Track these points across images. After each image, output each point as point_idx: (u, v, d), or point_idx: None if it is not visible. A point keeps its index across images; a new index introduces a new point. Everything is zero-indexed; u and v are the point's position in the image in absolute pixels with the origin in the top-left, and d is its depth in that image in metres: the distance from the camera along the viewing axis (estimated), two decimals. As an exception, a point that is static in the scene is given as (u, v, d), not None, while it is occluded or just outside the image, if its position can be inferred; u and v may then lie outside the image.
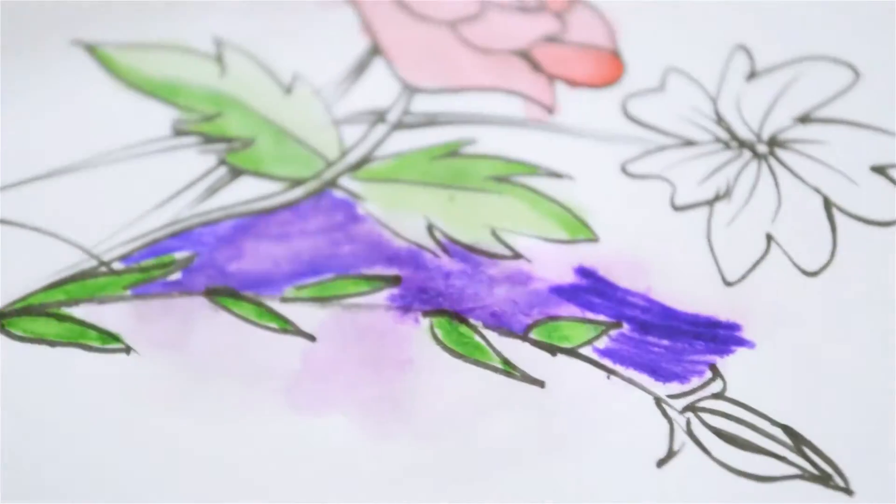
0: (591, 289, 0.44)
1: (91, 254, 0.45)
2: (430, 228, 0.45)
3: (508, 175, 0.46)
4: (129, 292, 0.44)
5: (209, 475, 0.40)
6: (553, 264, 0.45)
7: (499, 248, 0.45)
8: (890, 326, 0.44)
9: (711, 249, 0.46)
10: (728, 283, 0.45)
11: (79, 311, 0.44)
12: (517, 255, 0.45)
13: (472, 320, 0.43)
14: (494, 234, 0.45)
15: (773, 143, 0.48)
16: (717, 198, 0.47)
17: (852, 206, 0.46)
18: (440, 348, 0.43)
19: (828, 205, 0.46)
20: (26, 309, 0.43)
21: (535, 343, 0.43)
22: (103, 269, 0.44)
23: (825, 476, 0.41)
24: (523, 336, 0.43)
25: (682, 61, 0.48)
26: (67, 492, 0.40)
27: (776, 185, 0.47)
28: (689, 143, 0.48)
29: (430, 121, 0.48)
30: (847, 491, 0.41)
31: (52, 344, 0.43)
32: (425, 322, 0.43)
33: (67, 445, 0.41)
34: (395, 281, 0.44)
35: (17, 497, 0.40)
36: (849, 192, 0.47)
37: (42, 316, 0.43)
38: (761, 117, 0.49)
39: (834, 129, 0.48)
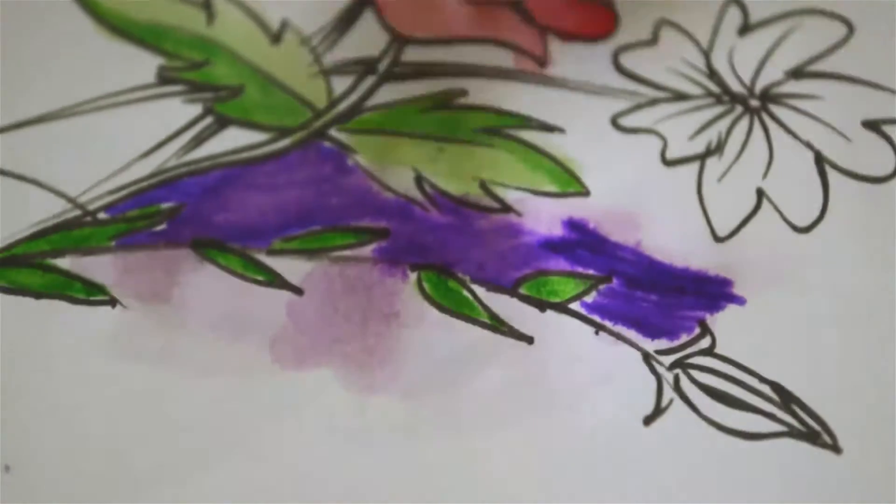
0: (581, 242, 0.44)
1: (76, 203, 0.44)
2: (419, 181, 0.45)
3: (499, 127, 0.46)
4: (114, 243, 0.43)
5: (194, 428, 0.40)
6: (543, 218, 0.44)
7: (488, 201, 0.45)
8: (881, 283, 0.43)
9: (702, 205, 0.45)
10: (719, 239, 0.45)
11: (63, 262, 0.43)
12: (507, 209, 0.45)
13: (460, 274, 0.43)
14: (484, 186, 0.45)
15: (766, 97, 0.48)
16: (709, 152, 0.46)
17: (844, 162, 0.46)
18: (428, 302, 0.42)
19: (820, 160, 0.46)
20: (10, 259, 0.43)
21: (524, 298, 0.43)
22: (88, 218, 0.44)
23: (813, 433, 0.41)
24: (512, 291, 0.43)
25: (674, 14, 0.47)
26: (51, 444, 0.40)
27: (768, 140, 0.47)
28: (681, 96, 0.47)
29: (420, 72, 0.47)
30: (835, 448, 0.41)
31: (37, 295, 0.42)
32: (413, 276, 0.43)
33: (52, 397, 0.41)
34: (383, 234, 0.44)
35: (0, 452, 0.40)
36: (841, 148, 0.46)
37: (26, 267, 0.43)
38: (754, 71, 0.48)
39: (827, 83, 0.48)
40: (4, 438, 0.39)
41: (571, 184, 0.45)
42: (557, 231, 0.44)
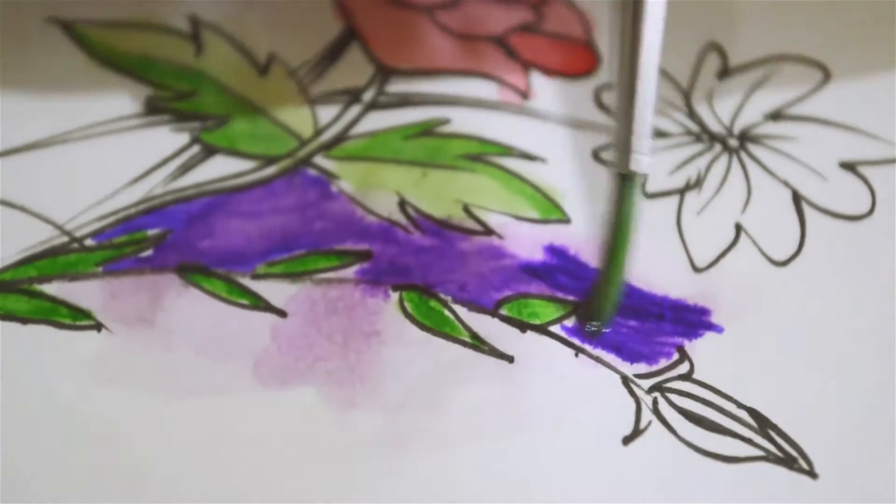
0: (562, 268, 0.44)
1: (63, 230, 0.45)
2: (403, 204, 0.46)
3: (481, 154, 0.47)
4: (100, 269, 0.44)
5: (178, 450, 0.40)
6: (524, 242, 0.45)
7: (471, 224, 0.45)
8: (854, 315, 0.44)
9: (681, 236, 0.46)
10: (697, 270, 0.45)
11: (50, 288, 0.43)
12: (489, 231, 0.45)
13: (441, 294, 0.43)
14: (466, 209, 0.45)
15: (745, 137, 0.48)
16: (688, 187, 0.47)
17: (821, 201, 0.47)
18: (409, 321, 0.43)
19: (797, 198, 0.47)
20: (-3, 285, 0.43)
21: (505, 319, 0.43)
22: (75, 245, 0.44)
23: (790, 459, 0.41)
24: (493, 311, 0.43)
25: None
26: (37, 468, 0.40)
27: (746, 177, 0.48)
28: (662, 134, 0.48)
29: (405, 101, 0.48)
30: (811, 474, 0.41)
31: (24, 321, 0.43)
32: (395, 296, 0.44)
33: (37, 422, 0.41)
34: (366, 256, 0.44)
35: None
36: (818, 187, 0.47)
37: (13, 293, 0.43)
38: (733, 113, 0.49)
39: (804, 125, 0.49)
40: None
41: (553, 211, 0.46)
42: (539, 256, 0.44)
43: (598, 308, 0.43)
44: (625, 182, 0.39)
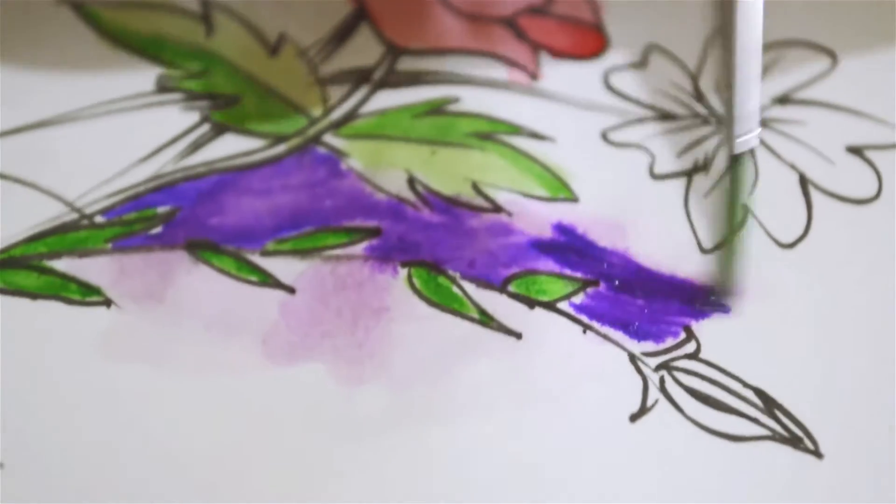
0: (570, 246, 0.45)
1: (73, 207, 0.45)
2: (412, 182, 0.46)
3: (491, 133, 0.47)
4: (110, 245, 0.44)
5: (187, 426, 0.40)
6: (533, 219, 0.45)
7: (480, 202, 0.45)
8: (859, 297, 0.44)
9: (689, 217, 0.46)
10: (705, 251, 0.45)
11: (59, 264, 0.43)
12: (498, 209, 0.45)
13: (450, 271, 0.43)
14: (475, 187, 0.45)
15: (752, 121, 0.48)
16: (696, 169, 0.47)
17: (828, 184, 0.47)
18: (418, 297, 0.43)
19: (804, 181, 0.47)
20: (7, 261, 0.44)
21: (513, 295, 0.43)
22: (85, 222, 0.44)
23: (795, 438, 0.41)
24: (501, 288, 0.43)
25: (663, 39, 0.48)
26: (45, 442, 0.40)
27: (754, 160, 0.47)
28: (669, 116, 0.48)
29: (414, 80, 0.48)
30: (816, 454, 0.41)
31: (33, 296, 0.43)
32: (403, 272, 0.44)
33: (47, 397, 0.41)
34: (375, 232, 0.44)
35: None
36: (825, 171, 0.47)
37: (23, 268, 0.43)
38: (741, 97, 0.49)
39: (811, 110, 0.49)
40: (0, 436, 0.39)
41: (561, 189, 0.46)
42: (547, 234, 0.44)
43: (723, 282, 0.44)
44: (734, 162, 0.41)
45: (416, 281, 0.43)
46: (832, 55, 0.50)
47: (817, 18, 0.51)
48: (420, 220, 0.45)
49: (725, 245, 0.43)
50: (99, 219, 0.45)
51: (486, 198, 0.45)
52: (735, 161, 0.40)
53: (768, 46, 0.50)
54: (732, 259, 0.43)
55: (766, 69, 0.50)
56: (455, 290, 0.43)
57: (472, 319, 0.42)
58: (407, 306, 0.42)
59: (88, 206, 0.45)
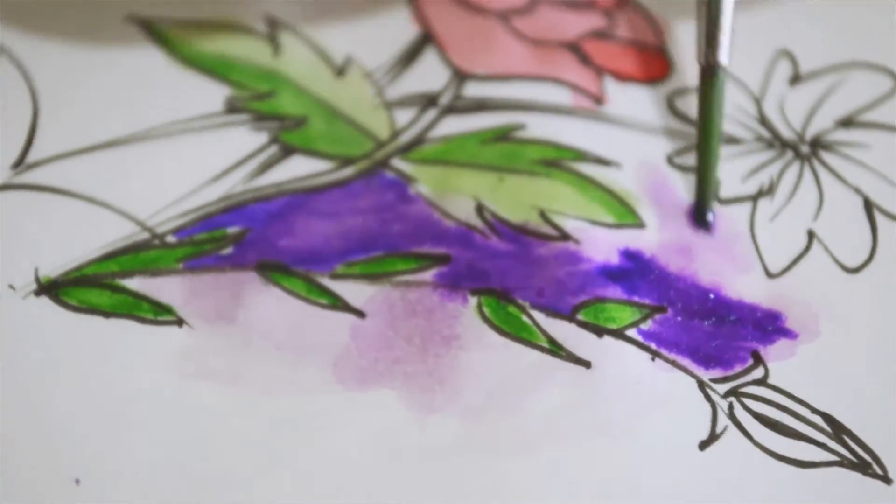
0: (638, 272, 0.44)
1: (145, 226, 0.44)
2: (480, 209, 0.45)
3: (557, 160, 0.46)
4: (181, 265, 0.43)
5: (257, 448, 0.40)
6: (600, 247, 0.45)
7: (547, 230, 0.45)
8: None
9: (755, 242, 0.45)
10: (771, 276, 0.44)
11: (132, 283, 0.43)
12: (565, 237, 0.45)
13: (519, 300, 0.43)
14: (543, 215, 0.45)
15: (816, 144, 0.48)
16: (761, 194, 0.47)
17: (893, 208, 0.46)
18: (487, 326, 0.42)
19: (868, 205, 0.46)
20: (81, 279, 0.43)
21: (582, 324, 0.43)
22: (156, 241, 0.44)
23: (864, 464, 0.41)
24: (570, 316, 0.43)
25: (727, 63, 0.47)
26: (120, 458, 0.40)
27: (818, 184, 0.47)
28: (734, 140, 0.48)
29: (480, 106, 0.48)
30: (886, 479, 0.40)
31: (106, 315, 0.43)
32: (473, 300, 0.43)
33: (119, 416, 0.40)
34: (444, 259, 0.44)
35: (69, 467, 0.40)
36: (889, 195, 0.46)
37: (96, 287, 0.43)
38: (804, 119, 0.48)
39: (875, 133, 0.48)
40: (74, 452, 0.39)
41: (627, 216, 0.46)
42: (614, 260, 0.44)
43: (701, 201, 0.45)
44: (708, 75, 0.43)
45: (486, 310, 0.43)
46: (894, 76, 0.49)
47: (879, 39, 0.51)
48: (489, 247, 0.44)
49: (701, 163, 0.43)
50: (170, 238, 0.44)
51: (554, 226, 0.45)
52: (707, 74, 0.42)
53: (830, 68, 0.50)
54: (709, 176, 0.43)
55: (829, 91, 0.49)
56: (525, 319, 0.42)
57: (541, 349, 0.42)
58: (477, 334, 0.42)
59: (160, 226, 0.44)
